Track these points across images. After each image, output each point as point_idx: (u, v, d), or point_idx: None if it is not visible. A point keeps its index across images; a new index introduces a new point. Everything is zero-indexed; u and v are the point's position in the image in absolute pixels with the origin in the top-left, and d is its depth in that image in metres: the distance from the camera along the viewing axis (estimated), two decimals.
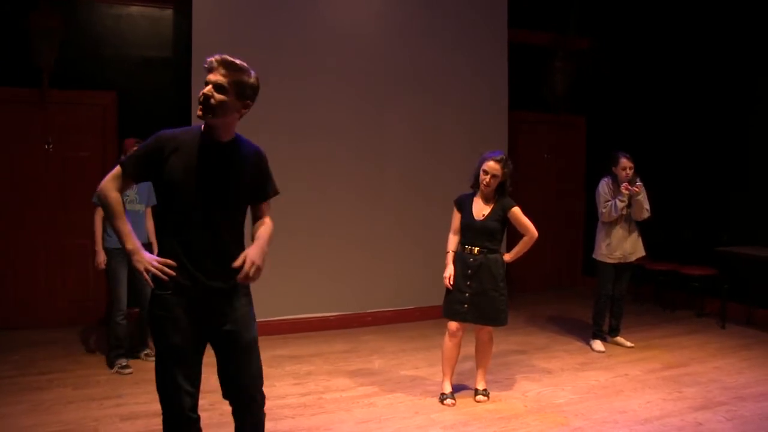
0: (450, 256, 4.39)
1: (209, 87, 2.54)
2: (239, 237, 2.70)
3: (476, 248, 4.28)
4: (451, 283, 4.31)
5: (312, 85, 6.20)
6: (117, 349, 4.98)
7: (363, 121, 6.48)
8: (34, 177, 6.16)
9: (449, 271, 4.34)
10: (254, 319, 2.76)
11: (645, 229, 5.87)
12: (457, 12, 6.86)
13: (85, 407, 4.18)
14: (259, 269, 2.51)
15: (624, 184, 5.53)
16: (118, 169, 2.62)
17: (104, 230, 4.95)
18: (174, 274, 2.53)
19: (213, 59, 2.58)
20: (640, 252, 5.78)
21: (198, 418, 2.69)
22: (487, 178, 4.23)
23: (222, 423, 3.81)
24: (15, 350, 5.43)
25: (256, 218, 2.79)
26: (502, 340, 5.93)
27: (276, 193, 2.83)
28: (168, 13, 6.51)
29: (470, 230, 4.31)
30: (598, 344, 5.74)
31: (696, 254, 7.20)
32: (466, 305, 4.26)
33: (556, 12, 8.33)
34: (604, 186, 5.72)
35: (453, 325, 4.33)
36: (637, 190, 5.48)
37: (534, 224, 4.38)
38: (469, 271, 4.27)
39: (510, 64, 7.20)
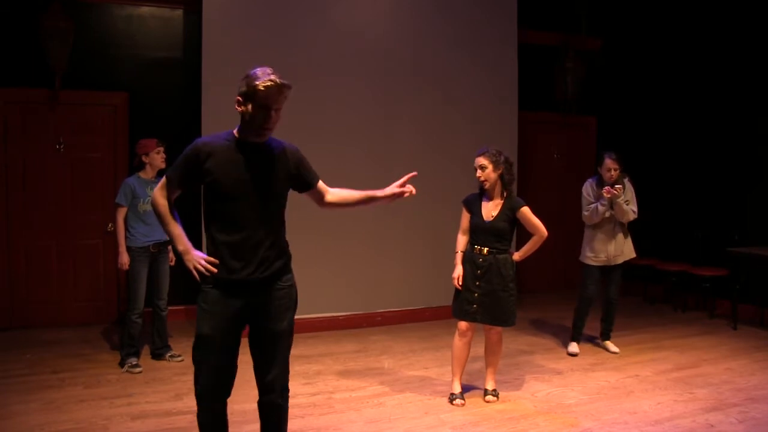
0: (459, 257, 4.39)
1: (276, 113, 2.77)
2: (279, 230, 2.89)
3: (485, 248, 4.28)
4: (460, 283, 4.31)
5: (321, 85, 6.20)
6: (129, 348, 5.00)
7: (372, 121, 6.48)
8: (45, 177, 6.20)
9: (458, 271, 4.34)
10: (289, 312, 2.91)
11: (656, 228, 5.84)
12: (467, 12, 6.85)
13: (95, 406, 4.21)
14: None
15: (605, 188, 5.33)
16: (164, 179, 2.87)
17: (126, 229, 4.98)
18: (215, 270, 2.74)
19: (288, 87, 2.72)
20: (629, 254, 5.63)
21: (224, 406, 2.91)
22: (478, 172, 4.30)
23: (233, 422, 3.82)
24: (26, 349, 5.46)
25: (322, 194, 3.06)
26: (512, 341, 5.92)
27: (318, 176, 3.06)
28: (178, 13, 6.54)
29: (479, 231, 4.31)
30: (573, 347, 5.64)
31: (707, 254, 7.16)
32: (475, 305, 4.25)
33: (566, 12, 8.30)
34: (587, 187, 5.58)
35: (463, 324, 4.33)
36: (616, 192, 5.28)
37: (545, 224, 4.38)
38: (479, 272, 4.26)
39: (520, 64, 7.18)
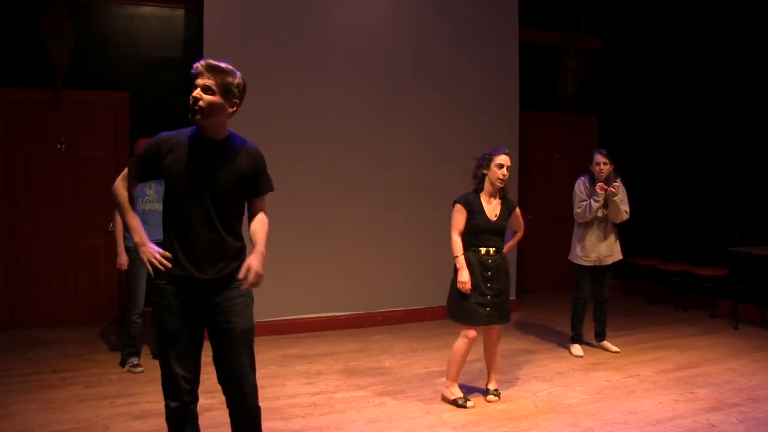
0: (463, 260, 4.25)
1: (198, 90, 2.68)
2: (234, 230, 2.81)
3: (492, 249, 4.27)
4: (469, 287, 4.20)
5: (320, 85, 6.21)
6: (130, 347, 5.00)
7: (373, 121, 6.48)
8: (46, 177, 6.20)
9: (467, 275, 4.21)
10: (247, 311, 2.84)
11: (656, 228, 5.82)
12: (467, 12, 6.85)
13: (96, 405, 4.21)
14: (260, 277, 2.69)
15: (599, 184, 5.29)
16: (126, 170, 2.85)
17: (125, 229, 4.95)
18: (170, 265, 2.71)
19: (199, 65, 2.70)
20: (617, 255, 5.58)
21: (192, 402, 2.85)
22: (503, 171, 4.26)
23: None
24: (27, 349, 5.46)
25: (252, 214, 2.90)
26: (513, 340, 5.93)
27: (269, 189, 2.90)
28: (179, 13, 6.54)
29: (486, 231, 4.27)
30: (576, 349, 5.61)
31: (708, 254, 7.15)
32: (488, 308, 4.22)
33: (567, 11, 8.30)
34: (580, 185, 5.51)
35: (474, 331, 4.26)
36: (614, 190, 5.22)
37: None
38: (489, 273, 4.23)
39: (521, 63, 7.18)
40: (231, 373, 2.84)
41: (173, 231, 2.76)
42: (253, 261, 2.68)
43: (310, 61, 6.16)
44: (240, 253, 2.83)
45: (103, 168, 6.33)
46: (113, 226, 5.09)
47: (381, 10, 6.53)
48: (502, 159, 4.26)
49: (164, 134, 2.80)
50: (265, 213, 2.90)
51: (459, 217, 4.31)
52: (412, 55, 6.61)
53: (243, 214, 2.89)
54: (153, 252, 2.72)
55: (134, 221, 2.80)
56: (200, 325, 2.81)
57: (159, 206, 5.07)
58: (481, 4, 6.95)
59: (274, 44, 5.99)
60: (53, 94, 6.08)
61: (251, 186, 2.84)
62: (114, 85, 6.35)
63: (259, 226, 2.85)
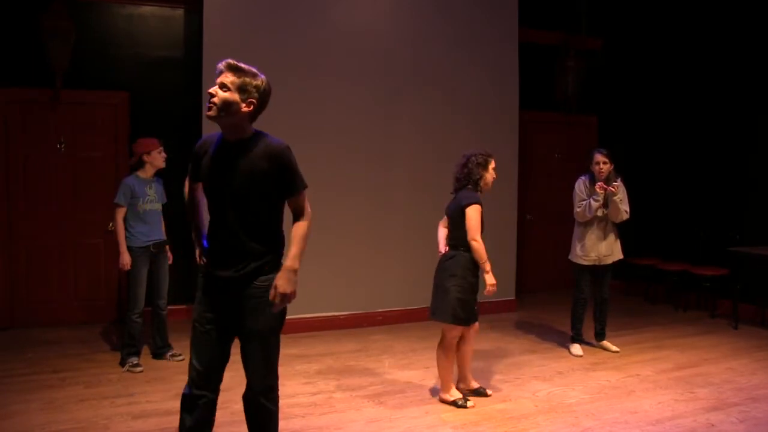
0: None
1: (215, 87, 2.75)
2: (258, 234, 2.80)
3: None
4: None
5: (321, 85, 6.22)
6: (130, 347, 4.99)
7: (373, 121, 6.49)
8: (46, 177, 6.19)
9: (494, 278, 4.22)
10: (266, 311, 2.81)
11: (656, 228, 5.82)
12: (467, 12, 6.85)
13: (96, 405, 4.20)
14: (287, 296, 2.77)
15: (599, 183, 5.30)
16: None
17: (126, 229, 4.96)
18: (204, 261, 2.92)
19: (221, 64, 2.76)
20: (618, 255, 5.58)
21: (202, 396, 2.87)
22: (494, 174, 4.35)
23: (233, 421, 3.83)
24: (27, 349, 5.46)
25: (293, 217, 2.91)
26: (513, 340, 5.94)
27: (298, 188, 2.84)
28: (179, 12, 6.54)
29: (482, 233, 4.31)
30: (576, 348, 5.61)
31: (708, 254, 7.16)
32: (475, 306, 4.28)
33: (567, 11, 8.30)
34: (580, 184, 5.52)
35: (461, 330, 4.29)
36: (613, 189, 5.22)
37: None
38: (478, 272, 4.27)
39: (521, 63, 7.19)
40: (246, 370, 2.90)
41: (209, 228, 2.92)
42: (279, 281, 2.75)
43: (310, 61, 6.17)
44: (264, 254, 2.81)
45: (103, 168, 6.34)
46: (113, 226, 5.09)
47: (381, 10, 6.54)
48: (494, 163, 4.35)
49: (204, 137, 2.99)
50: (304, 216, 2.86)
51: (480, 219, 4.20)
52: (412, 55, 6.61)
53: (275, 216, 2.87)
54: (201, 248, 2.99)
55: (195, 221, 3.08)
56: (222, 322, 2.85)
57: (158, 206, 5.11)
58: (481, 4, 6.95)
59: (274, 44, 6.00)
60: (53, 94, 6.08)
61: (274, 186, 2.78)
62: (114, 85, 6.35)
63: (294, 234, 2.84)
